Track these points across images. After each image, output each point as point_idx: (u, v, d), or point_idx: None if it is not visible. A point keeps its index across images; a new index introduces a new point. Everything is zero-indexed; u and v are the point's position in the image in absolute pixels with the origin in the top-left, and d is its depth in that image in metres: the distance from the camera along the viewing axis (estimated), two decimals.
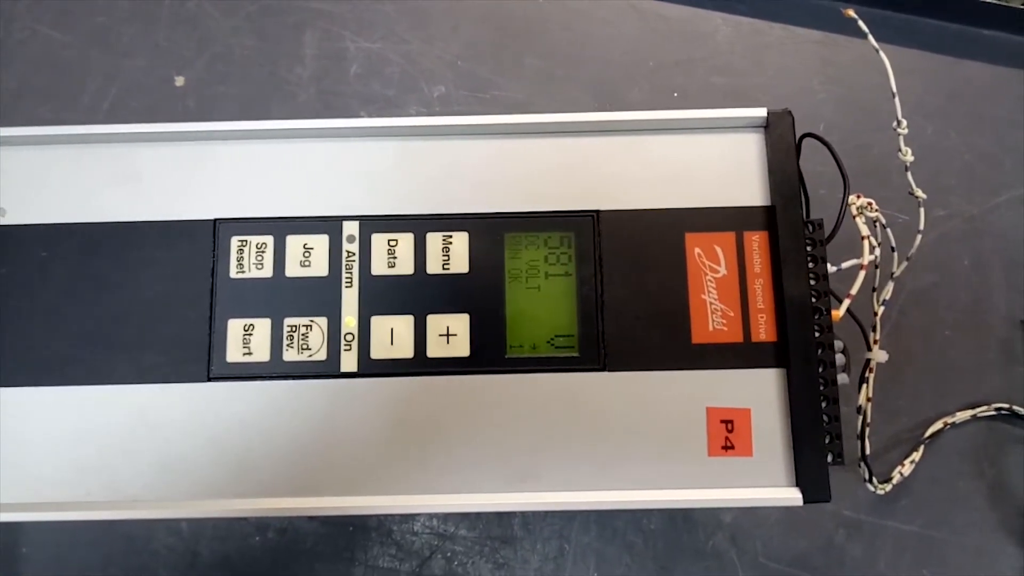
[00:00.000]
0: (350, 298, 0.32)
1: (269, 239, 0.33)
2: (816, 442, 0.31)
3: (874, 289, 0.39)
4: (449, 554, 0.44)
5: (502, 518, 0.45)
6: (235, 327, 0.32)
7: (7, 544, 0.44)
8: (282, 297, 0.32)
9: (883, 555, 0.44)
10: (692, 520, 0.45)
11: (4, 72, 0.50)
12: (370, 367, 0.32)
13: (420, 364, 0.32)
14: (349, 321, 0.32)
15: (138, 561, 0.44)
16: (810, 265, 0.32)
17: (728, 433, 0.31)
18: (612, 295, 0.32)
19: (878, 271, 0.38)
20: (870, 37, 0.35)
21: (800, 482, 0.31)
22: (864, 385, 0.38)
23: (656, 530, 0.44)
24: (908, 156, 0.36)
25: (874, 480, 0.41)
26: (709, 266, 0.33)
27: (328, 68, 0.51)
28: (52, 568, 0.44)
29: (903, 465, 0.43)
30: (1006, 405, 0.45)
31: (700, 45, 0.51)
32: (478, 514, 0.45)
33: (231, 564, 0.44)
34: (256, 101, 0.50)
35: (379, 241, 0.33)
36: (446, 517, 0.45)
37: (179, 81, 0.50)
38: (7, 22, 0.51)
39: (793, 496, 0.30)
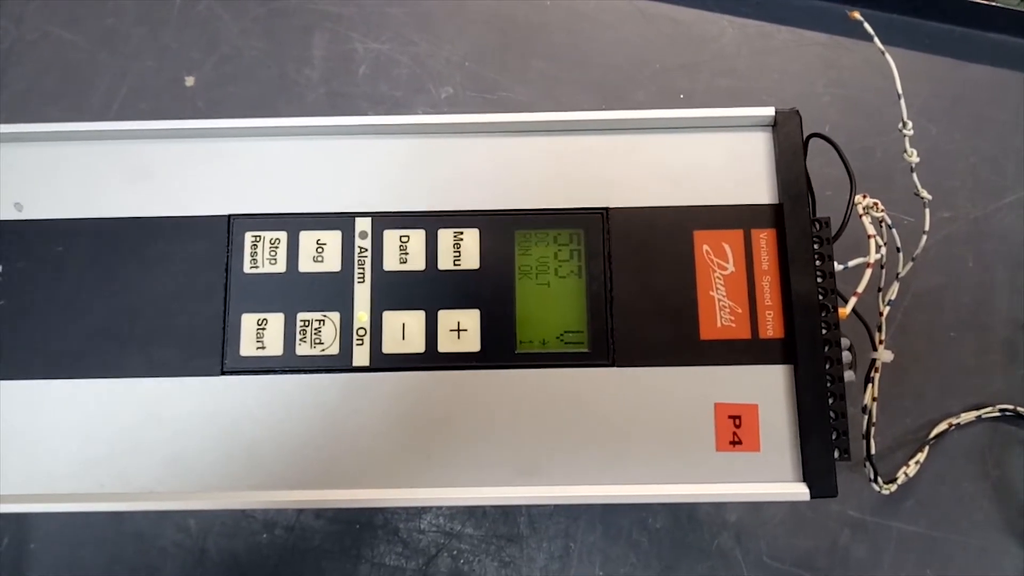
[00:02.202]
0: (362, 293, 0.33)
1: (283, 235, 0.33)
2: (823, 438, 0.31)
3: (879, 290, 0.39)
4: (455, 552, 0.44)
5: (508, 516, 0.45)
6: (249, 321, 0.32)
7: (16, 540, 0.44)
8: (295, 292, 0.33)
9: (887, 555, 0.44)
10: (697, 519, 0.45)
11: (14, 73, 0.51)
12: (382, 361, 0.32)
13: (431, 359, 0.32)
14: (361, 316, 0.33)
15: (146, 558, 0.44)
16: (817, 263, 0.32)
17: (736, 428, 0.32)
18: (621, 291, 0.33)
19: (883, 272, 0.38)
20: (876, 40, 0.35)
21: (807, 477, 0.31)
22: (869, 385, 0.39)
23: (661, 529, 0.45)
24: (913, 157, 0.37)
25: (879, 480, 0.41)
26: (717, 263, 0.33)
27: (336, 69, 0.51)
28: (61, 564, 0.44)
29: (908, 465, 0.43)
30: (1010, 406, 0.45)
31: (706, 48, 0.52)
32: (484, 512, 0.45)
33: (239, 561, 0.44)
34: (265, 102, 0.50)
35: (391, 237, 0.33)
36: (452, 515, 0.45)
37: (189, 81, 0.50)
38: (17, 23, 0.52)
39: (800, 491, 0.31)
